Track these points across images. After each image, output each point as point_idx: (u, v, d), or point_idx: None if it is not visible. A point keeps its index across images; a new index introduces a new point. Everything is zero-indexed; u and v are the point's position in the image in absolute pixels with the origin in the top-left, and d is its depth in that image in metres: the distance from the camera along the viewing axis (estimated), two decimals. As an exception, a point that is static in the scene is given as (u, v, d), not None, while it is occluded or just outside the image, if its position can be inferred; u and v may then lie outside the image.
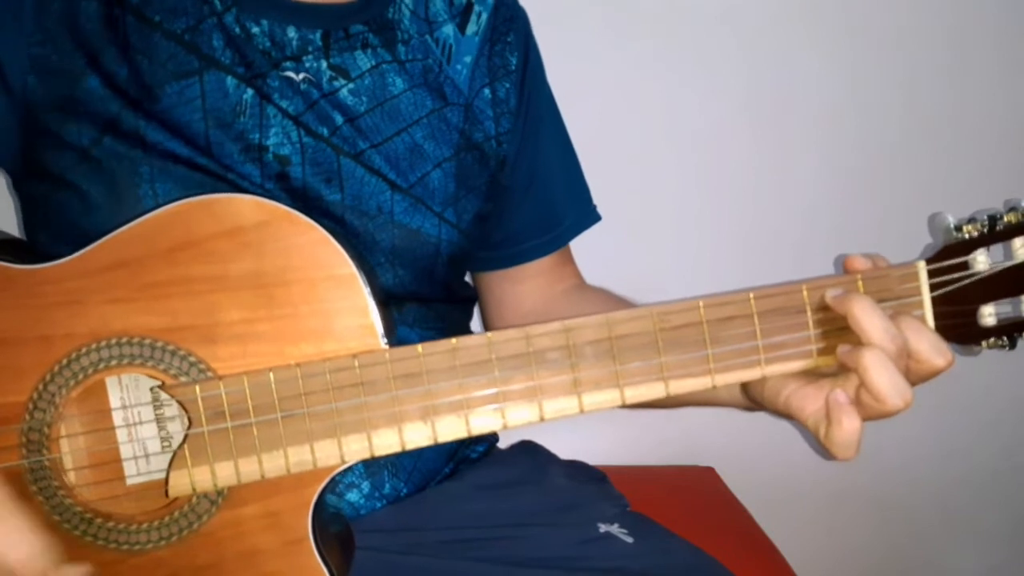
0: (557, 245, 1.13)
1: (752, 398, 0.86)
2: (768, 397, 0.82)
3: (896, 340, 0.75)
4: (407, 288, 0.98)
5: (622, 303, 1.06)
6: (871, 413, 0.76)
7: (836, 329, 0.78)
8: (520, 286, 1.13)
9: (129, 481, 0.81)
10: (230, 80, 0.91)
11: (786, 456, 1.53)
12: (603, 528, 0.98)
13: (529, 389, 0.77)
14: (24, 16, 0.89)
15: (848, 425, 0.75)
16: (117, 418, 0.81)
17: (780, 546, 1.25)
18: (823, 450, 0.78)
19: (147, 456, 0.81)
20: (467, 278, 1.14)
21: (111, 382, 0.80)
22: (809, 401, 0.79)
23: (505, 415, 0.78)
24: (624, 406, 0.79)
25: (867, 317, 0.75)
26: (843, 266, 0.81)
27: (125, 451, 0.81)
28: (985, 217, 0.78)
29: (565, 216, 1.13)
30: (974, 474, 1.66)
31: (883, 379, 0.74)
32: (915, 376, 0.77)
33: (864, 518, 1.65)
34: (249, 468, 0.77)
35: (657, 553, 0.96)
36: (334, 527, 0.86)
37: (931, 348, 0.76)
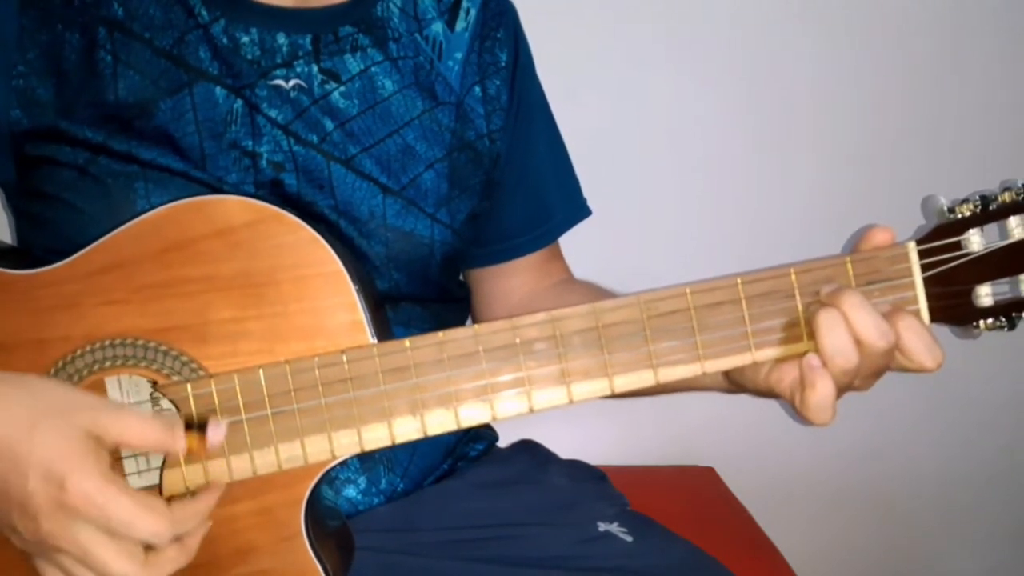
0: (546, 241, 1.13)
1: (733, 381, 0.87)
2: (750, 377, 0.83)
3: (886, 337, 0.75)
4: (402, 290, 0.98)
5: (608, 295, 1.06)
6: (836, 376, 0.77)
7: None
8: (509, 281, 1.13)
9: (129, 480, 0.81)
10: (219, 90, 0.91)
11: (786, 456, 1.53)
12: (603, 527, 0.98)
13: (517, 380, 0.78)
14: (7, 49, 0.89)
15: (821, 387, 0.76)
16: None
17: (780, 546, 1.24)
18: (801, 419, 0.78)
19: (147, 455, 0.82)
20: (461, 277, 1.14)
21: (111, 382, 0.81)
22: (786, 372, 0.80)
23: (494, 407, 0.78)
24: (614, 395, 0.80)
25: (857, 314, 0.74)
26: (862, 237, 0.80)
27: (125, 450, 0.82)
28: (978, 197, 0.76)
29: (555, 212, 1.13)
30: (974, 474, 1.65)
31: (831, 340, 0.75)
32: (899, 368, 0.78)
33: (864, 518, 1.64)
34: (241, 465, 0.78)
35: (657, 552, 0.96)
36: (331, 522, 0.86)
37: (926, 347, 0.76)
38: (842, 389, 0.77)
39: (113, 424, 0.71)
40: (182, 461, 0.77)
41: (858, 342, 0.75)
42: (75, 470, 0.68)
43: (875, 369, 0.78)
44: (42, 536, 0.69)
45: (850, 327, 0.75)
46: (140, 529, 0.69)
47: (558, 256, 1.17)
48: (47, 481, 0.68)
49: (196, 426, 0.73)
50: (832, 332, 0.75)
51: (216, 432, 0.73)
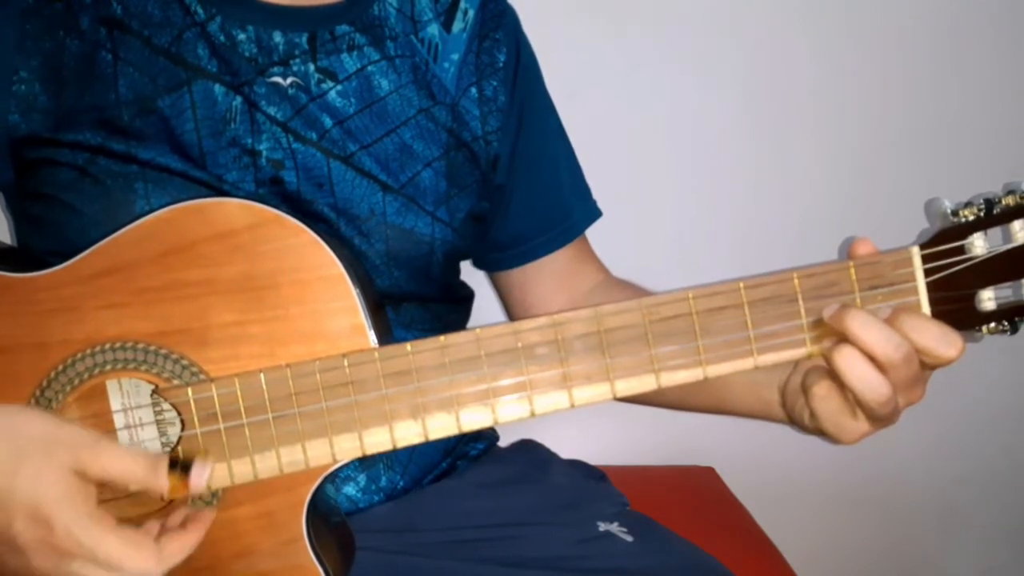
0: (566, 239, 1.11)
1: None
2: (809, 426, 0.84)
3: (901, 348, 0.73)
4: (403, 289, 0.99)
5: (647, 295, 1.04)
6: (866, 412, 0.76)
7: None
8: (542, 288, 1.12)
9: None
10: (218, 88, 0.92)
11: (786, 456, 1.53)
12: (603, 527, 0.98)
13: (519, 384, 0.78)
14: (6, 54, 0.89)
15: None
16: (118, 421, 0.81)
17: (780, 546, 1.24)
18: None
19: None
20: (463, 277, 1.14)
21: (112, 385, 0.81)
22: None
23: (495, 411, 0.78)
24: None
25: (865, 332, 0.73)
26: (847, 250, 0.79)
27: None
28: (982, 200, 0.76)
29: (571, 210, 1.12)
30: (974, 474, 1.65)
31: (856, 376, 0.74)
32: (930, 368, 0.77)
33: (864, 518, 1.64)
34: (242, 469, 0.78)
35: (657, 552, 0.96)
36: (332, 519, 0.86)
37: (938, 341, 0.74)
38: (891, 414, 0.76)
39: (95, 460, 0.70)
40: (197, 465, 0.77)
41: (877, 363, 0.73)
42: (61, 513, 0.69)
43: (908, 379, 0.75)
44: (33, 571, 0.70)
45: (865, 351, 0.73)
46: (129, 568, 0.70)
47: (589, 259, 1.15)
48: (34, 523, 0.69)
49: (181, 465, 0.72)
50: (853, 367, 0.73)
51: (200, 474, 0.72)
